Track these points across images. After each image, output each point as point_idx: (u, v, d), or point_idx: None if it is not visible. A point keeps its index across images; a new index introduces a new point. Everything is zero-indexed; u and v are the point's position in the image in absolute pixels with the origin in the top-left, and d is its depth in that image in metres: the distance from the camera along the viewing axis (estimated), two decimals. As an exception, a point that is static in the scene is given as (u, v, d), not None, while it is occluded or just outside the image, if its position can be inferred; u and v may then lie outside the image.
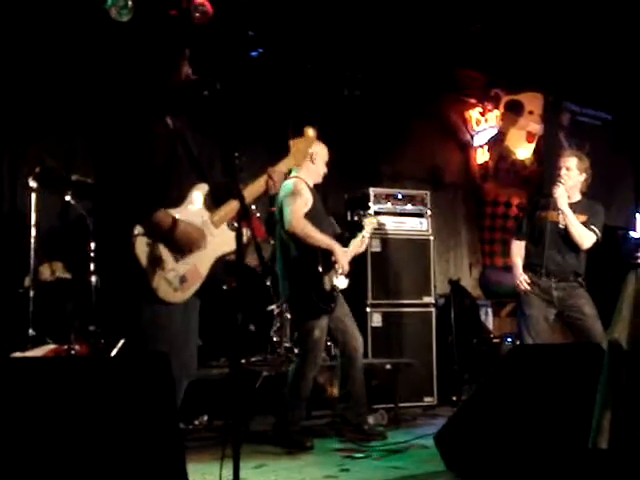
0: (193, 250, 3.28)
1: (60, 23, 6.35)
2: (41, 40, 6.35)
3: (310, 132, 4.08)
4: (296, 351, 5.93)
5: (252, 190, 3.59)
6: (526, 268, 5.56)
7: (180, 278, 3.25)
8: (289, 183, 5.21)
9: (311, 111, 7.70)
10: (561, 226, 5.47)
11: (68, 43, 6.42)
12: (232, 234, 3.36)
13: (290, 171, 5.21)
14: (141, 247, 3.17)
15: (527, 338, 5.38)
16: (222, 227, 3.42)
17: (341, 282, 5.29)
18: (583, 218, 5.49)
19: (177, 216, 3.26)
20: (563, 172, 5.50)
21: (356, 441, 5.27)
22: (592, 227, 5.46)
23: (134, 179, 3.18)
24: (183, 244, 3.24)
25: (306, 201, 5.23)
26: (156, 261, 3.18)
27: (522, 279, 5.49)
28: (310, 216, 5.20)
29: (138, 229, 3.16)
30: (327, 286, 5.16)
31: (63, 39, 6.40)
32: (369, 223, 5.71)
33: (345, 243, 5.48)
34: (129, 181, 3.18)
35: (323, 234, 5.20)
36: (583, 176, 5.56)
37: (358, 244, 5.58)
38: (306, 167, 5.28)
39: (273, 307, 6.33)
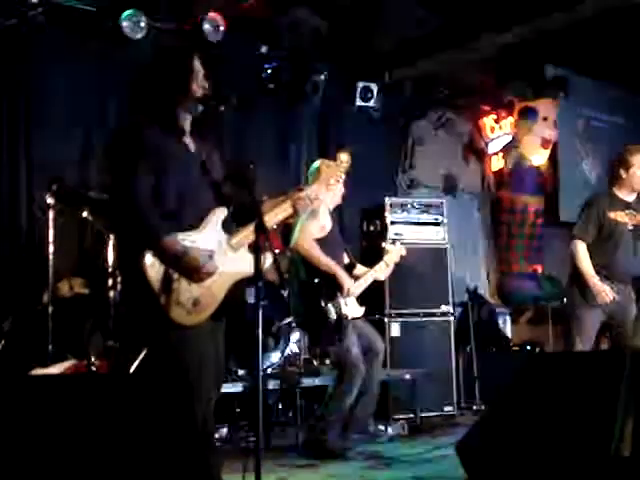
0: (202, 278, 3.21)
1: (76, 38, 6.40)
2: (58, 56, 6.40)
3: (343, 157, 3.98)
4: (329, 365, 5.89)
5: (277, 213, 3.56)
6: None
7: (193, 301, 3.19)
8: None
9: (325, 122, 7.76)
10: (630, 227, 5.19)
11: (84, 60, 6.48)
12: (252, 257, 3.33)
13: None
14: (153, 269, 3.14)
15: (579, 346, 5.22)
16: (242, 251, 3.38)
17: (353, 310, 5.22)
18: None
19: (190, 241, 3.21)
20: None
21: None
22: None
23: (145, 203, 3.16)
24: (192, 272, 3.18)
25: (323, 226, 5.21)
26: (168, 283, 3.14)
27: (606, 289, 5.13)
28: (324, 242, 5.17)
29: (149, 252, 3.13)
30: (332, 315, 5.10)
31: (79, 56, 6.45)
32: (395, 251, 5.56)
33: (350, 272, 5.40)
34: (140, 205, 3.16)
35: (328, 259, 5.16)
36: None
37: (379, 270, 5.48)
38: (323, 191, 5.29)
39: (290, 320, 6.33)
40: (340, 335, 5.09)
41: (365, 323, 5.40)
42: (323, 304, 5.08)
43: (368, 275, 5.41)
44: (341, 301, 5.14)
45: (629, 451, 3.05)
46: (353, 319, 5.23)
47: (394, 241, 5.78)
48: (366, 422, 5.34)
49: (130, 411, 2.99)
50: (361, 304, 5.36)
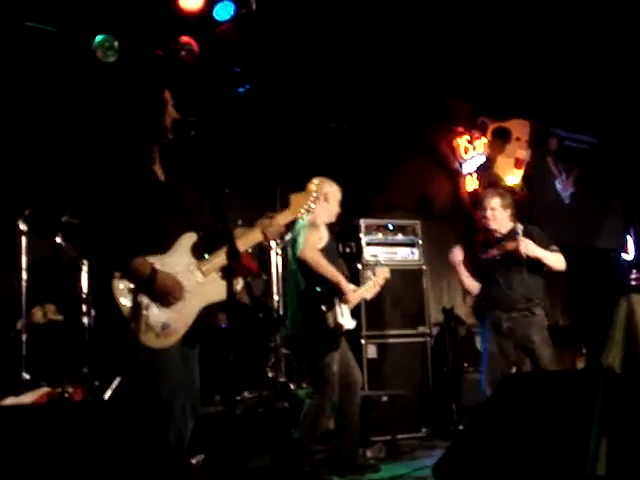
0: (170, 302, 3.25)
1: (49, 65, 6.39)
2: (30, 82, 6.38)
3: (312, 187, 4.11)
4: (307, 387, 5.85)
5: (247, 240, 3.58)
6: (484, 305, 5.58)
7: (162, 324, 3.22)
8: (308, 217, 5.16)
9: (300, 144, 7.77)
10: (498, 258, 5.50)
11: (57, 84, 6.46)
12: (223, 283, 3.32)
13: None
14: (121, 292, 3.17)
15: (484, 372, 5.42)
16: (212, 276, 3.40)
17: (347, 322, 5.22)
18: None
19: (159, 264, 3.25)
20: (489, 213, 5.57)
21: (350, 475, 5.20)
22: (552, 247, 5.46)
23: (113, 226, 3.19)
24: (161, 295, 3.21)
25: (321, 237, 5.24)
26: (137, 306, 3.17)
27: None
28: (323, 253, 5.19)
29: (117, 274, 3.17)
30: (330, 323, 5.10)
31: (52, 80, 6.44)
32: (381, 272, 5.66)
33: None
34: (108, 228, 3.19)
35: (332, 267, 5.18)
36: (508, 211, 5.61)
37: (369, 289, 5.56)
38: (321, 206, 5.23)
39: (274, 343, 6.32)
40: (332, 344, 5.09)
41: (349, 351, 5.40)
42: (324, 309, 5.08)
43: (359, 292, 5.48)
44: (338, 311, 5.16)
45: (604, 470, 3.06)
46: (346, 331, 5.25)
47: (374, 264, 5.83)
48: (353, 458, 5.29)
49: (105, 439, 2.95)
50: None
